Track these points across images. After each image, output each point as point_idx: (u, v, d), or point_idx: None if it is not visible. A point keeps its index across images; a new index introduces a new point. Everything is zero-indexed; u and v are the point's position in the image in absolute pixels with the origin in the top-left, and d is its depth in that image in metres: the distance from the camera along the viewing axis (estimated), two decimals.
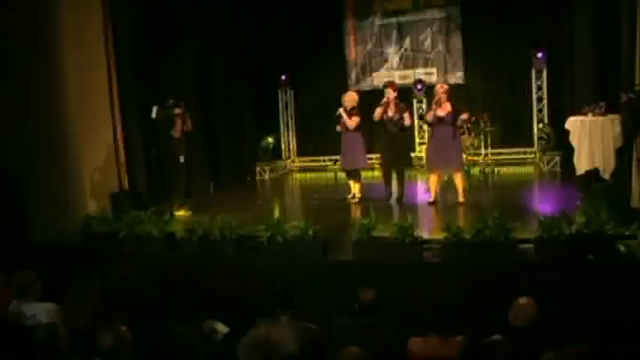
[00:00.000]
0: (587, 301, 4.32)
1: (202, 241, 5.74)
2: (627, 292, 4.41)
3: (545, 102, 11.06)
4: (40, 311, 4.01)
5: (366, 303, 3.54)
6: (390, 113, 7.61)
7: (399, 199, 7.76)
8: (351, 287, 4.64)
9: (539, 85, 11.09)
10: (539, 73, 11.06)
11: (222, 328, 4.28)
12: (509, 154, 11.30)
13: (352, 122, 7.82)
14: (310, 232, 5.38)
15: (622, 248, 4.87)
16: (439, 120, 7.32)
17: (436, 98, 7.33)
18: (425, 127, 11.61)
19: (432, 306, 4.44)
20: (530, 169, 10.67)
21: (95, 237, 6.29)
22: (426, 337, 3.44)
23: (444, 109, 7.28)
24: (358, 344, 2.96)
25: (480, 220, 4.82)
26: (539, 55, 10.87)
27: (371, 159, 11.39)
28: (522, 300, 3.40)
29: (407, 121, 7.65)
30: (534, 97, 11.12)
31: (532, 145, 11.26)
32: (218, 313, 4.41)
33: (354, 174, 8.20)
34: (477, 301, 4.53)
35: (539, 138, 11.06)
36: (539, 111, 11.13)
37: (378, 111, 7.63)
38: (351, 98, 7.94)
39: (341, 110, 7.87)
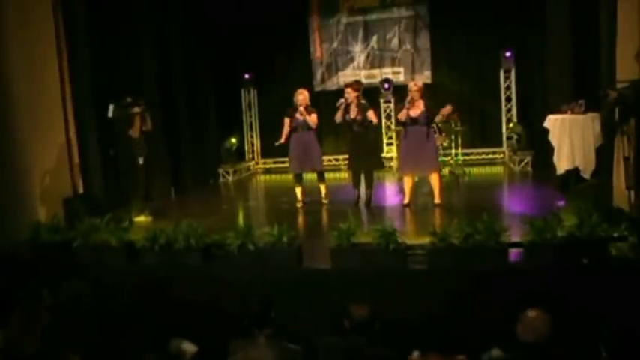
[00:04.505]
0: (585, 308, 4.07)
1: (165, 251, 5.26)
2: (624, 297, 4.20)
3: (513, 102, 11.00)
4: None
5: (359, 320, 3.16)
6: (353, 114, 7.30)
7: (368, 203, 7.42)
8: (332, 298, 4.32)
9: (508, 84, 11.03)
10: (507, 72, 11.00)
11: (190, 347, 3.93)
12: (479, 154, 11.20)
13: (314, 120, 7.42)
14: (284, 239, 4.97)
15: (613, 251, 4.67)
16: (412, 120, 7.02)
17: (409, 97, 7.01)
18: (392, 127, 11.41)
19: (422, 318, 4.15)
20: (499, 169, 10.55)
21: (45, 247, 5.70)
22: (426, 356, 3.09)
23: (418, 109, 7.00)
24: None
25: (469, 224, 4.50)
26: (507, 54, 10.83)
27: (337, 160, 11.28)
28: (532, 313, 3.07)
29: (374, 120, 7.33)
30: (503, 96, 11.05)
31: (501, 146, 11.19)
32: (185, 330, 4.01)
33: (300, 178, 7.73)
34: (469, 310, 4.24)
35: (508, 138, 11.02)
36: (508, 111, 11.07)
37: (338, 114, 7.34)
38: (305, 96, 7.48)
39: (301, 109, 7.42)
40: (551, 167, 7.48)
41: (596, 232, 4.53)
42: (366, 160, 7.47)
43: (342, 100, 7.36)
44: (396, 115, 10.81)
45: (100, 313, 3.76)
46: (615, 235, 4.75)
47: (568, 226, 4.61)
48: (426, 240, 4.85)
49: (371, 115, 7.31)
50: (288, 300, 4.24)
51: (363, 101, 7.52)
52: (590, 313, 3.97)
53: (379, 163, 8.10)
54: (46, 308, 3.78)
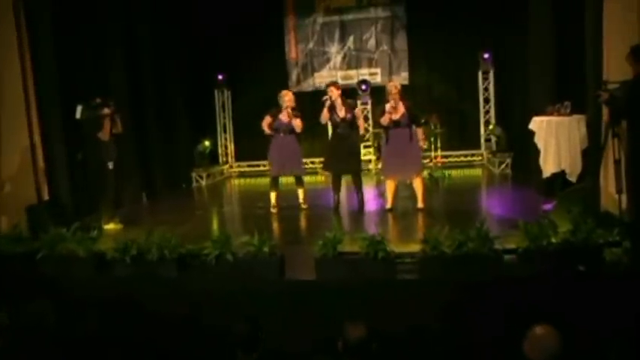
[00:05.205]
0: (584, 315, 3.89)
1: (138, 262, 4.90)
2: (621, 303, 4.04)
3: (492, 103, 10.90)
4: None
5: (355, 342, 2.88)
6: (342, 113, 7.06)
7: (361, 206, 7.21)
8: (320, 313, 4.07)
9: (486, 86, 10.93)
10: (485, 74, 10.90)
11: None
12: (458, 156, 11.06)
13: (298, 124, 7.20)
14: (265, 249, 4.67)
15: (607, 256, 4.51)
16: (395, 123, 6.82)
17: (391, 100, 6.79)
18: (370, 129, 11.20)
19: (413, 331, 3.92)
20: (478, 171, 10.42)
21: (6, 259, 5.29)
22: None
23: (399, 111, 6.80)
24: None
25: (462, 232, 4.28)
26: (486, 56, 10.73)
27: (313, 163, 11.01)
28: (540, 329, 2.83)
29: (361, 128, 7.32)
30: (481, 98, 10.94)
31: (480, 147, 11.08)
32: (161, 349, 3.70)
33: (276, 182, 7.48)
34: (463, 322, 4.02)
35: (487, 140, 10.92)
36: (487, 112, 10.96)
37: (324, 114, 7.08)
38: (290, 98, 7.27)
39: (288, 111, 7.18)
40: (532, 169, 7.35)
41: (591, 237, 4.36)
42: (352, 162, 7.21)
43: (327, 97, 7.11)
44: (373, 117, 10.66)
45: (66, 336, 3.41)
46: (610, 239, 4.60)
47: (562, 232, 4.43)
48: (414, 248, 4.63)
49: (360, 122, 7.22)
50: (272, 315, 3.96)
51: (349, 100, 7.33)
52: (589, 320, 3.78)
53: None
54: (1, 330, 3.44)
